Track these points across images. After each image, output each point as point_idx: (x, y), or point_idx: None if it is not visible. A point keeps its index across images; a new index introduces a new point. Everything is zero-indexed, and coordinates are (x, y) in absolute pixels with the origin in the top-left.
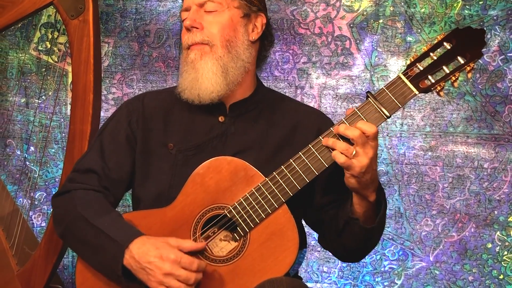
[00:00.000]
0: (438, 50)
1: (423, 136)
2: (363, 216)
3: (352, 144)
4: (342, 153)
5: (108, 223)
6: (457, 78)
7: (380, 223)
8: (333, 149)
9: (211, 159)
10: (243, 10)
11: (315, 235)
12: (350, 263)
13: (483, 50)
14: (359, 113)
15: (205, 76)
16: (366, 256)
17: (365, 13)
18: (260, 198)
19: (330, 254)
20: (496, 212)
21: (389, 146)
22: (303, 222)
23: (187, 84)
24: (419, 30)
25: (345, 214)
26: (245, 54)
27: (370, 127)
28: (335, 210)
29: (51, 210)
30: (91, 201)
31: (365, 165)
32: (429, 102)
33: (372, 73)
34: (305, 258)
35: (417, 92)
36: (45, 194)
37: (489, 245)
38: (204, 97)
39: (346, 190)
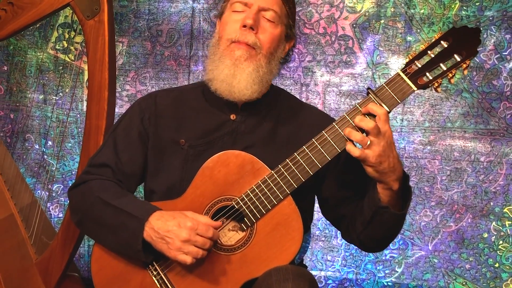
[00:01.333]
0: (436, 48)
1: (422, 131)
2: (389, 204)
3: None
4: (355, 146)
5: (126, 202)
6: (454, 75)
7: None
8: (349, 139)
9: (219, 153)
10: (287, 31)
11: (319, 225)
12: (353, 252)
13: (478, 48)
14: (360, 109)
15: (244, 78)
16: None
17: (367, 14)
18: (266, 190)
19: (334, 243)
20: (492, 204)
21: None
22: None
23: (222, 76)
24: (418, 30)
25: (373, 204)
26: (276, 69)
27: (379, 109)
28: (356, 203)
29: (68, 201)
30: (107, 186)
31: (379, 154)
32: (428, 98)
33: (373, 71)
34: (310, 247)
35: (415, 89)
36: (62, 187)
37: (485, 235)
38: (234, 95)
39: (363, 183)
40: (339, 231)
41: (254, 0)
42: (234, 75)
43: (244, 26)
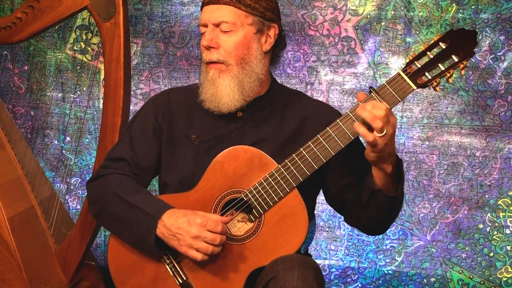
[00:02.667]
0: (435, 49)
1: (421, 127)
2: (384, 187)
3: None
4: (371, 133)
5: (140, 199)
6: (451, 75)
7: (401, 192)
8: (370, 126)
9: (229, 148)
10: (256, 26)
11: (324, 216)
12: (355, 242)
13: (475, 49)
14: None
15: (224, 92)
16: (370, 237)
17: (368, 16)
18: (273, 183)
19: (337, 233)
20: (487, 196)
21: None
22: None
23: (207, 97)
24: (417, 32)
25: (368, 188)
26: (258, 67)
27: (382, 104)
28: (356, 189)
29: (86, 194)
30: (123, 182)
31: (387, 142)
32: (427, 96)
33: (375, 70)
34: (315, 237)
35: (415, 88)
36: (80, 180)
37: (481, 226)
38: (223, 109)
39: (363, 171)
40: (342, 217)
41: (207, 19)
42: (216, 93)
43: (206, 48)
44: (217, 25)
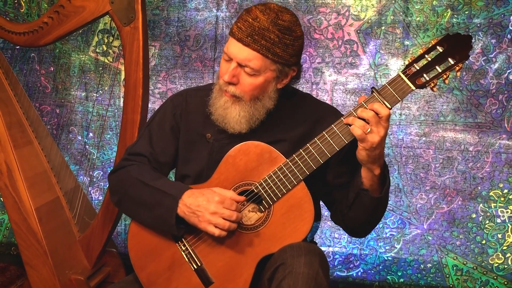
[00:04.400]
0: (432, 52)
1: (418, 124)
2: (370, 188)
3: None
4: (359, 128)
5: (161, 183)
6: (448, 76)
7: (385, 195)
8: (351, 125)
9: (241, 144)
10: (277, 72)
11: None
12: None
13: (469, 52)
14: (365, 105)
15: (232, 118)
16: (372, 230)
17: (369, 21)
18: (282, 176)
19: (342, 227)
20: (479, 188)
21: (389, 133)
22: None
23: (218, 112)
24: (415, 36)
25: (355, 187)
26: (269, 103)
27: (384, 109)
28: (345, 190)
29: (107, 185)
30: (144, 169)
31: (376, 141)
32: (423, 95)
33: (375, 71)
34: (320, 227)
35: (414, 88)
36: (102, 173)
37: (474, 215)
38: (228, 130)
39: (354, 174)
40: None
41: (234, 56)
42: (225, 114)
43: (226, 81)
44: (241, 66)
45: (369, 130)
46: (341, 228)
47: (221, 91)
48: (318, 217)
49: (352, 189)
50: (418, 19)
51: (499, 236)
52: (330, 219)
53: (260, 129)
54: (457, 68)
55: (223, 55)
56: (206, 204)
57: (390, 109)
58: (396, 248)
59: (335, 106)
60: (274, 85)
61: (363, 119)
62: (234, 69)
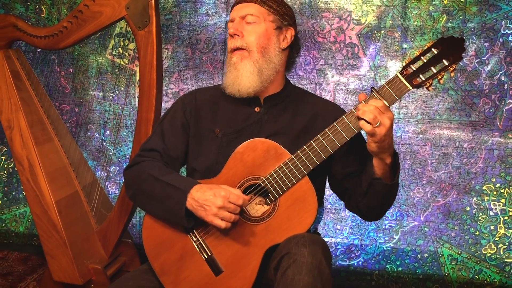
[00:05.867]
0: (428, 54)
1: (416, 122)
2: (383, 176)
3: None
4: (368, 123)
5: (172, 178)
6: (442, 77)
7: (397, 182)
8: (362, 119)
9: (248, 140)
10: (276, 24)
11: (331, 200)
12: (358, 222)
13: (463, 54)
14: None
15: (244, 75)
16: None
17: (370, 25)
18: (287, 171)
19: (343, 215)
20: (473, 182)
21: None
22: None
23: (230, 81)
24: (412, 39)
25: (368, 177)
26: (276, 58)
27: (379, 102)
28: (357, 179)
29: (123, 179)
30: (156, 166)
31: (384, 133)
32: (420, 95)
33: (375, 72)
34: (323, 218)
35: (410, 88)
36: (118, 168)
37: (468, 208)
38: (243, 91)
39: (362, 163)
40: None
41: (235, 14)
42: (237, 76)
43: (231, 36)
44: (243, 18)
45: (378, 123)
46: (342, 220)
47: (230, 56)
48: (320, 203)
49: (365, 178)
50: (415, 23)
51: (492, 227)
52: (332, 211)
53: (265, 120)
54: (451, 69)
55: (228, 32)
56: (213, 198)
57: (388, 107)
58: (395, 239)
59: None
60: (277, 41)
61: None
62: (237, 23)
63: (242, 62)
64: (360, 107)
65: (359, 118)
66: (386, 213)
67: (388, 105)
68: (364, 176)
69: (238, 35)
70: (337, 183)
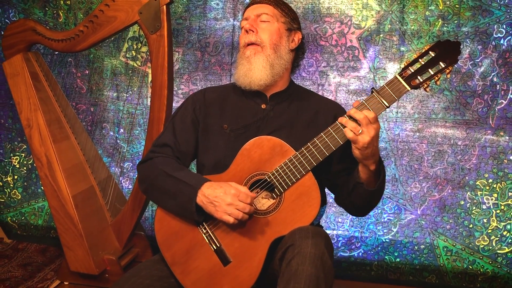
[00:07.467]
0: (425, 57)
1: (413, 121)
2: (366, 181)
3: (359, 125)
4: (351, 130)
5: (183, 174)
6: (439, 78)
7: (379, 187)
8: (345, 127)
9: (255, 138)
10: (287, 25)
11: (332, 194)
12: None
13: (458, 57)
14: (366, 104)
15: (257, 68)
16: (371, 212)
17: (369, 29)
18: (292, 167)
19: (344, 209)
20: (467, 178)
21: (387, 129)
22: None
23: (242, 73)
24: (410, 42)
25: (353, 179)
26: (286, 56)
27: (370, 113)
28: (346, 177)
29: (136, 175)
30: (168, 162)
31: (367, 141)
32: (417, 95)
33: (374, 74)
34: (325, 212)
35: (409, 88)
36: (131, 164)
37: (462, 202)
38: (254, 84)
39: (355, 162)
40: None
41: (250, 12)
42: (250, 68)
43: (246, 31)
44: (258, 16)
45: (360, 131)
46: (344, 214)
47: (243, 50)
48: (323, 202)
49: (351, 180)
50: (412, 27)
51: (485, 220)
52: (333, 205)
53: (271, 116)
54: (447, 71)
55: (241, 30)
56: (223, 196)
57: (388, 107)
58: (393, 231)
59: None
60: (287, 41)
61: (355, 121)
62: (253, 21)
63: (256, 56)
64: (349, 113)
65: (343, 126)
66: (385, 207)
67: (388, 105)
68: (350, 177)
69: (253, 31)
70: (330, 179)
